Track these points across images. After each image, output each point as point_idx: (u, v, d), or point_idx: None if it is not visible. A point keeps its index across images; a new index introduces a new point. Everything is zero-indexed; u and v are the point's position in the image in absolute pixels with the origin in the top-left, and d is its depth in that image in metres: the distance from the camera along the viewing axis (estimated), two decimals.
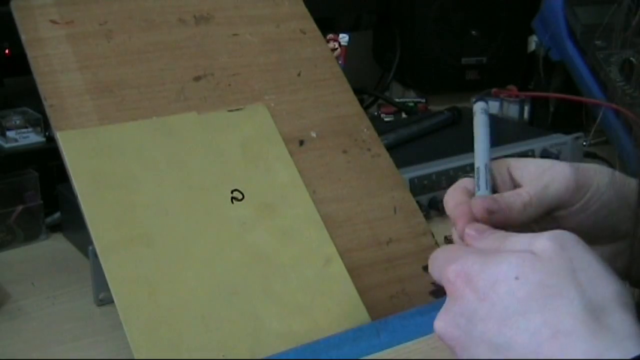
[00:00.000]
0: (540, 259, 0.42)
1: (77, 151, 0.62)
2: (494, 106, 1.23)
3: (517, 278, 0.41)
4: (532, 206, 0.51)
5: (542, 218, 0.52)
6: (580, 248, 0.43)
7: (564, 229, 0.45)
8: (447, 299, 0.45)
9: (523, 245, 0.44)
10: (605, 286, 0.41)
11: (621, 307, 0.40)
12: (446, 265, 0.45)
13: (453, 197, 0.52)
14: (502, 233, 0.47)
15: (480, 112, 0.58)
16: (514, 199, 0.51)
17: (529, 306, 0.40)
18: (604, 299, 0.40)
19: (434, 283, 0.63)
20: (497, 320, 0.41)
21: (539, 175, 0.52)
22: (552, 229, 0.45)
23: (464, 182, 0.54)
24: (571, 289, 0.40)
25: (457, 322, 0.43)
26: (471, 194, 0.52)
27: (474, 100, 0.57)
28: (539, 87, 1.17)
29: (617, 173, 0.54)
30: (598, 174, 0.53)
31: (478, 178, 0.53)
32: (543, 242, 0.43)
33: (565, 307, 0.40)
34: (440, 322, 0.44)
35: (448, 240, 0.83)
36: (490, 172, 0.53)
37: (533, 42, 1.28)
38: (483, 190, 0.51)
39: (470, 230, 0.48)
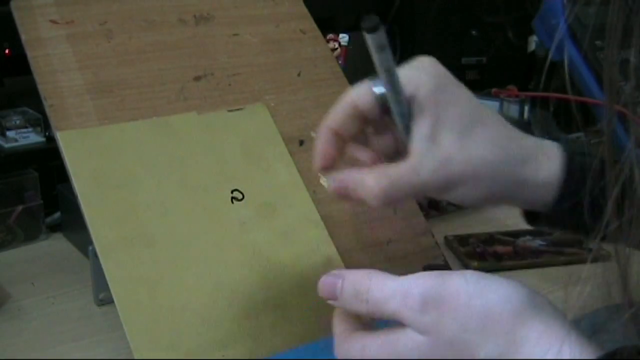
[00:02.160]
0: (432, 340, 0.41)
1: (77, 151, 0.62)
2: (494, 106, 1.23)
3: None
4: (389, 197, 0.52)
5: None
6: (448, 301, 0.41)
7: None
8: None
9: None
10: (498, 316, 0.40)
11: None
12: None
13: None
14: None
15: (378, 47, 0.50)
16: (362, 189, 0.52)
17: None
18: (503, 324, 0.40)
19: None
20: None
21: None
22: None
23: (354, 99, 0.54)
24: (480, 347, 0.40)
25: None
26: (359, 114, 0.54)
27: (366, 28, 0.48)
28: (539, 87, 1.17)
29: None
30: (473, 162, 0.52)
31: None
32: (418, 321, 0.41)
33: None
34: None
35: (448, 240, 0.83)
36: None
37: (533, 42, 1.28)
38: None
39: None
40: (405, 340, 0.41)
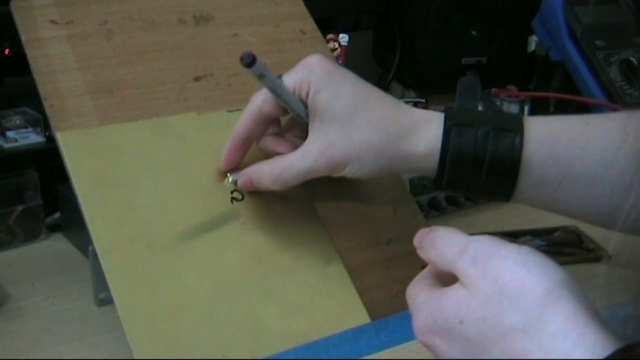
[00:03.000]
0: (471, 294, 0.44)
1: (77, 151, 0.62)
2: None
3: (461, 322, 0.44)
4: (284, 181, 0.61)
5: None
6: (496, 261, 0.44)
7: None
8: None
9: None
10: (533, 289, 0.42)
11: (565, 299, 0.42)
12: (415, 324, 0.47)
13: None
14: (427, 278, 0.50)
15: (259, 76, 0.59)
16: (262, 178, 0.62)
17: (484, 344, 0.43)
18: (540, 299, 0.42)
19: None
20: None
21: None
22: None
23: (259, 106, 0.63)
24: (509, 313, 0.42)
25: None
26: (265, 118, 0.63)
27: (244, 64, 0.57)
28: (539, 87, 1.17)
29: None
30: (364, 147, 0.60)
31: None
32: (466, 270, 0.45)
33: (512, 331, 0.42)
34: None
35: None
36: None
37: (533, 42, 1.28)
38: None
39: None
40: (449, 293, 0.45)
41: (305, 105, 0.62)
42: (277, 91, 0.60)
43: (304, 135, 0.63)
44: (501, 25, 1.33)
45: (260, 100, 0.62)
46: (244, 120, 0.63)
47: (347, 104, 0.60)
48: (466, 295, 0.44)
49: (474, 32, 1.33)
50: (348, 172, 0.61)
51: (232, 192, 0.65)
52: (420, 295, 0.47)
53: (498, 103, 1.23)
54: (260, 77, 0.58)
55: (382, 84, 1.32)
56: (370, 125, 0.60)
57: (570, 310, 0.41)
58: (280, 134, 0.65)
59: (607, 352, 0.38)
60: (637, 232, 0.50)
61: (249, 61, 0.56)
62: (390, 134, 0.60)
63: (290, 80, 0.61)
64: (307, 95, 0.61)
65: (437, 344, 0.45)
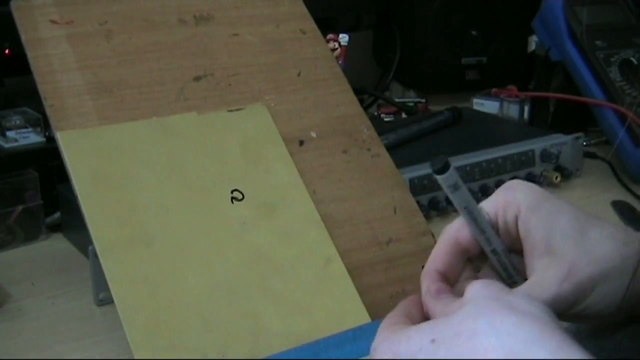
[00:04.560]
0: (451, 317, 0.42)
1: (77, 151, 0.62)
2: (494, 106, 1.23)
3: (433, 341, 0.42)
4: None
5: None
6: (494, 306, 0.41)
7: None
8: None
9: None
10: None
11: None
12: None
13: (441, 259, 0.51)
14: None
15: (452, 188, 0.48)
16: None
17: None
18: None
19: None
20: None
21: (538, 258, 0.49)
22: None
23: (454, 236, 0.51)
24: (481, 328, 0.40)
25: None
26: (463, 250, 0.51)
27: (435, 170, 0.47)
28: (539, 87, 1.17)
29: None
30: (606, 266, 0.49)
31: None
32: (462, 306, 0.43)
33: (481, 347, 0.39)
34: None
35: None
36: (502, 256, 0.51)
37: (533, 42, 1.28)
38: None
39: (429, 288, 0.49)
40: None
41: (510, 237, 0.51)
42: (469, 209, 0.49)
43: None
44: (501, 25, 1.33)
45: (455, 229, 0.51)
46: (438, 251, 0.52)
47: (573, 219, 0.50)
48: (444, 319, 0.43)
49: (474, 32, 1.33)
50: (594, 299, 0.49)
51: (232, 192, 0.65)
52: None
53: (498, 103, 1.23)
54: (454, 188, 0.47)
55: (382, 84, 1.32)
56: (609, 239, 0.49)
57: None
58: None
59: None
60: None
61: (440, 167, 0.46)
62: (630, 248, 0.50)
63: (491, 204, 0.51)
64: (515, 218, 0.50)
65: None
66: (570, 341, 0.38)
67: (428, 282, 0.49)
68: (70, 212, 0.81)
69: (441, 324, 0.43)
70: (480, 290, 0.44)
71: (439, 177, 0.46)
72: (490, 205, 0.51)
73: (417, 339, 0.43)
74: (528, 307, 0.41)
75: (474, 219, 0.49)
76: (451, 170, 0.46)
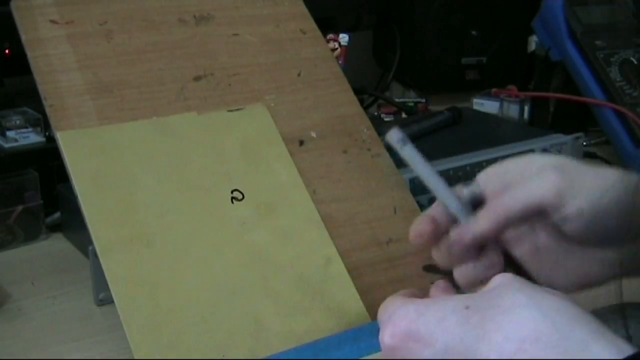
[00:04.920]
0: (484, 292, 0.41)
1: (77, 151, 0.62)
2: (494, 106, 1.23)
3: (467, 307, 0.40)
4: (485, 234, 0.50)
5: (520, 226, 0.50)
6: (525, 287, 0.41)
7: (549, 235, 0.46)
8: None
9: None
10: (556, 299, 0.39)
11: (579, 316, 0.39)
12: (382, 330, 0.43)
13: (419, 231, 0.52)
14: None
15: (401, 145, 0.51)
16: (457, 237, 0.50)
17: (484, 329, 0.39)
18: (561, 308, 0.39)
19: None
20: (457, 354, 0.39)
21: (506, 185, 0.50)
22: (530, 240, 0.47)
23: (430, 213, 0.53)
24: (522, 301, 0.39)
25: None
26: (437, 225, 0.52)
27: (388, 134, 0.50)
28: (539, 87, 1.17)
29: (630, 176, 0.49)
30: (592, 177, 0.48)
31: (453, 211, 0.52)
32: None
33: (522, 317, 0.38)
34: None
35: None
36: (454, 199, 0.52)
37: (533, 42, 1.28)
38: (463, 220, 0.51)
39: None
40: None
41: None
42: (421, 174, 0.52)
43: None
44: (501, 25, 1.33)
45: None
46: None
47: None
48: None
49: (474, 32, 1.33)
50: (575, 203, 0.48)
51: (232, 192, 0.65)
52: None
53: (498, 103, 1.23)
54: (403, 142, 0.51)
55: (382, 84, 1.32)
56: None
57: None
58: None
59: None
60: None
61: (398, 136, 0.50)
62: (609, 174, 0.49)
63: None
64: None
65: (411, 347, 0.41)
66: (604, 327, 0.38)
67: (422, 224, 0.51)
68: (70, 212, 0.81)
69: (476, 295, 0.41)
70: (509, 277, 0.42)
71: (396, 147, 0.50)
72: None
73: (449, 304, 0.41)
74: (561, 294, 0.41)
75: (424, 177, 0.52)
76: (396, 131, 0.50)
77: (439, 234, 0.52)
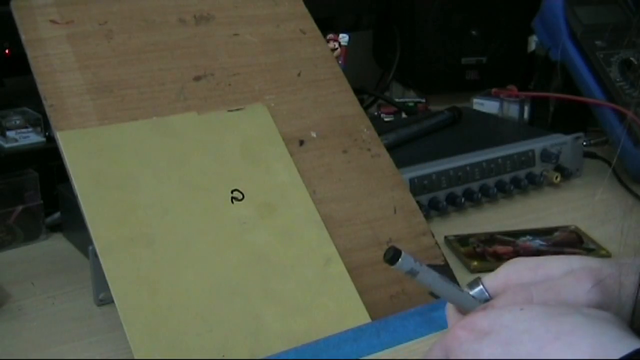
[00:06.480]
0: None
1: (77, 151, 0.62)
2: (494, 106, 1.23)
3: (522, 309, 0.44)
4: None
5: None
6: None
7: None
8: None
9: None
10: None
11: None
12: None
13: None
14: None
15: (411, 276, 0.48)
16: None
17: (532, 324, 0.42)
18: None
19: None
20: (503, 343, 0.42)
21: None
22: None
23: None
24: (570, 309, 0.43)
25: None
26: None
27: (393, 265, 0.47)
28: (539, 87, 1.17)
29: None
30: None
31: None
32: None
33: (565, 317, 0.42)
34: None
35: (448, 240, 0.83)
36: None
37: (533, 42, 1.28)
38: None
39: None
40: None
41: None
42: (437, 290, 0.49)
43: None
44: (501, 25, 1.33)
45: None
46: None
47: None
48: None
49: (474, 32, 1.33)
50: None
51: (232, 192, 0.65)
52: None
53: (498, 103, 1.23)
54: (412, 274, 0.48)
55: (382, 84, 1.32)
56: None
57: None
58: None
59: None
60: None
61: (390, 256, 0.47)
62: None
63: (492, 281, 0.51)
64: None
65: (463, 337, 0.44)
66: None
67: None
68: (70, 212, 0.81)
69: (529, 305, 0.45)
70: None
71: (394, 268, 0.47)
72: (490, 282, 0.51)
73: (502, 308, 0.45)
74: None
75: (448, 295, 0.49)
76: (404, 257, 0.46)
77: None
